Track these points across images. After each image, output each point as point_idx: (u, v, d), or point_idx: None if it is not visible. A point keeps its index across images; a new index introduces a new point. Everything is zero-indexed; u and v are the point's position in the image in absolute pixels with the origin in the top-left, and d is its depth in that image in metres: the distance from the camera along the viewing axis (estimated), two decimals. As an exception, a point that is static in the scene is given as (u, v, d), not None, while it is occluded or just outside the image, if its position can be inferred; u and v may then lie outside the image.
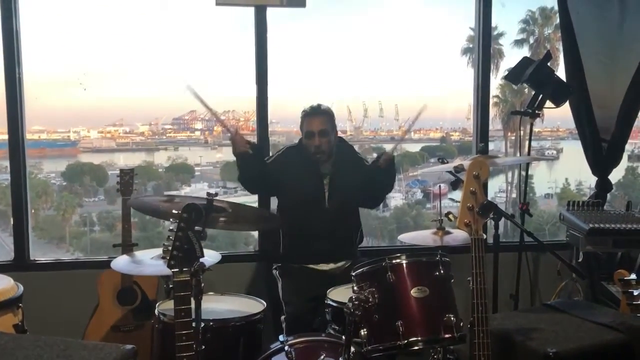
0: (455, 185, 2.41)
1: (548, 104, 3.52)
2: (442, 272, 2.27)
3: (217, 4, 3.54)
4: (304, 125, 3.30)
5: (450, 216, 2.18)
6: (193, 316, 2.00)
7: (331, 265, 3.27)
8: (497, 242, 3.12)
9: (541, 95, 3.50)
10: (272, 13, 3.68)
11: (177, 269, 1.98)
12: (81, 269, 3.56)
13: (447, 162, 3.17)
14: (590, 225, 3.30)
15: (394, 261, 2.24)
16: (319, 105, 3.30)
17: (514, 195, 7.50)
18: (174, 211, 2.01)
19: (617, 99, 3.73)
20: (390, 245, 4.84)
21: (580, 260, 3.45)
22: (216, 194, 2.47)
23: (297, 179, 3.29)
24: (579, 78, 3.72)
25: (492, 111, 8.33)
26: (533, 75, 3.46)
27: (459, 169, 2.38)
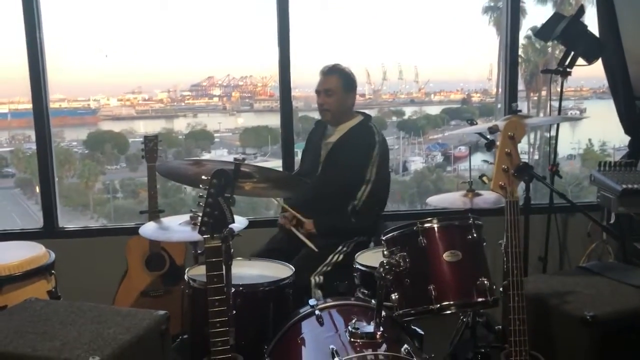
0: (489, 146, 2.35)
1: (580, 61, 3.41)
2: (474, 235, 2.23)
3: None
4: (318, 83, 3.26)
5: (485, 178, 2.13)
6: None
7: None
8: (528, 204, 3.06)
9: (573, 53, 3.39)
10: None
11: (208, 235, 1.97)
12: (109, 235, 3.59)
13: (476, 124, 3.09)
14: (624, 186, 3.22)
15: (425, 225, 2.21)
16: (334, 65, 3.23)
17: (536, 157, 7.39)
18: (203, 177, 1.98)
19: (653, 56, 3.60)
20: (419, 210, 4.81)
21: (612, 222, 3.38)
22: (244, 159, 2.44)
23: (307, 147, 3.37)
24: (613, 34, 3.58)
25: (513, 71, 8.14)
26: (565, 31, 3.35)
27: (493, 130, 2.32)
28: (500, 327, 2.76)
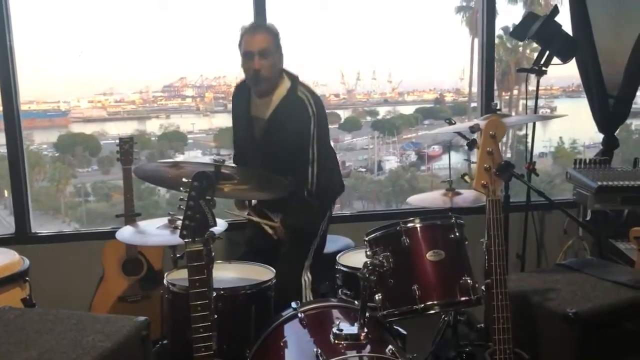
0: (471, 145, 2.36)
1: (555, 60, 3.45)
2: (457, 234, 2.24)
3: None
4: (242, 45, 2.75)
5: (466, 177, 2.13)
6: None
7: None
8: (507, 202, 3.09)
9: (548, 52, 3.43)
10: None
11: (189, 239, 1.93)
12: (84, 240, 3.52)
13: (455, 123, 3.10)
14: (599, 183, 3.27)
15: (408, 225, 2.21)
16: (254, 22, 2.83)
17: (508, 155, 7.47)
18: (184, 180, 1.94)
19: (625, 54, 3.66)
20: (397, 209, 4.81)
21: (588, 218, 3.43)
22: (224, 161, 2.40)
23: (236, 114, 3.00)
24: (586, 33, 3.63)
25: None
26: (540, 31, 3.38)
27: (474, 129, 2.32)
28: (482, 325, 2.78)
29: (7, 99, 3.34)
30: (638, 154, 3.68)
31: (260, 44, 2.69)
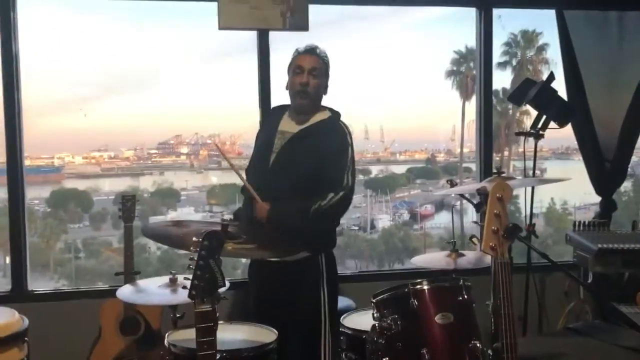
0: (478, 207, 2.38)
1: (551, 124, 3.53)
2: (465, 296, 2.23)
3: (220, 28, 3.50)
4: (293, 63, 2.80)
5: (475, 240, 2.15)
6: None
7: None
8: (511, 264, 3.08)
9: (545, 116, 3.52)
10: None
11: (198, 299, 1.91)
12: (82, 298, 3.45)
13: (456, 184, 3.13)
14: (599, 246, 3.28)
15: (417, 287, 2.21)
16: (317, 46, 2.82)
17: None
18: (194, 239, 1.94)
19: (619, 119, 3.76)
20: (399, 269, 4.77)
21: (589, 281, 3.43)
22: (230, 219, 2.40)
23: (260, 137, 2.92)
24: (581, 98, 3.74)
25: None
26: (537, 96, 3.48)
27: (481, 192, 2.36)
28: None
29: (12, 154, 3.34)
30: (627, 215, 3.73)
31: (313, 63, 2.75)
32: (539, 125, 3.53)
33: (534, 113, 3.57)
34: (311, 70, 2.73)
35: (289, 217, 2.61)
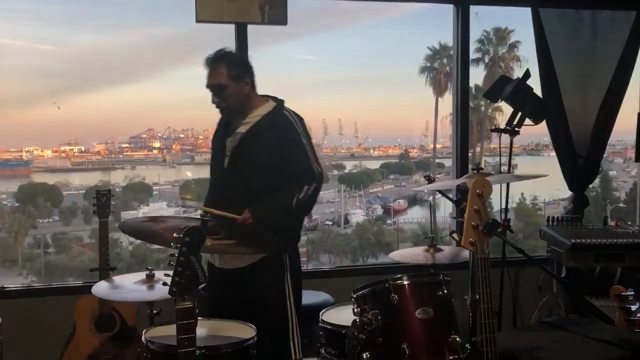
0: (458, 203, 2.40)
1: (527, 121, 3.58)
2: (445, 291, 2.25)
3: (198, 20, 3.46)
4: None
5: (455, 235, 2.15)
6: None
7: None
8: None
9: (520, 113, 3.56)
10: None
11: (179, 296, 1.89)
12: (55, 294, 3.39)
13: (434, 180, 3.16)
14: (573, 241, 3.34)
15: (397, 282, 2.22)
16: (216, 52, 2.70)
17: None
18: (175, 235, 1.91)
19: (591, 116, 3.82)
20: (375, 264, 4.78)
21: (562, 275, 3.49)
22: (208, 215, 2.38)
23: (214, 148, 2.87)
24: (555, 95, 3.79)
25: (451, 128, 8.50)
26: (513, 93, 3.51)
27: (461, 188, 2.38)
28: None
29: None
30: (596, 211, 3.80)
31: (212, 80, 2.67)
32: (515, 122, 3.57)
33: (506, 110, 3.62)
34: (214, 88, 2.67)
35: (273, 218, 2.56)
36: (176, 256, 1.89)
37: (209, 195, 2.81)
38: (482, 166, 2.76)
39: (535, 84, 3.77)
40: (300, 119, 2.75)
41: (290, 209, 2.59)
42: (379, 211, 13.42)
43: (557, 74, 3.82)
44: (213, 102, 2.70)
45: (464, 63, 3.92)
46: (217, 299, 2.62)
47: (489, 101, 6.53)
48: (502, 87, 3.61)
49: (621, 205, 11.39)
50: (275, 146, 2.63)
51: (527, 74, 3.53)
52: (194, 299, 1.94)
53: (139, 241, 7.40)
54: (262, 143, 2.65)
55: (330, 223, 12.35)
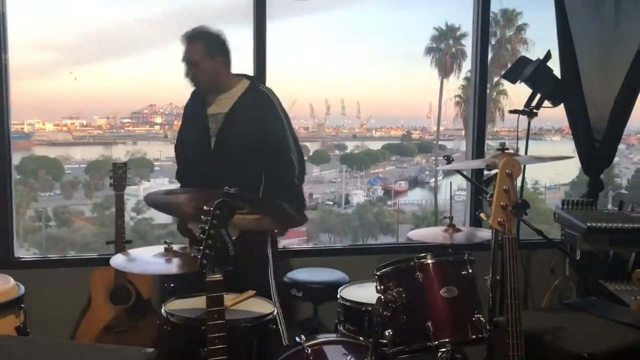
0: (487, 183, 2.39)
1: (545, 103, 3.56)
2: (469, 271, 2.25)
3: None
4: None
5: (483, 215, 2.14)
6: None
7: None
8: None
9: (539, 95, 3.53)
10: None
11: (209, 269, 1.88)
12: (71, 266, 3.38)
13: (453, 160, 3.15)
14: (588, 224, 3.34)
15: (422, 260, 2.21)
16: (194, 29, 2.83)
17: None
18: (205, 207, 1.90)
19: (610, 99, 3.78)
20: (401, 243, 4.78)
21: (577, 258, 3.49)
22: (234, 189, 2.36)
23: (186, 123, 3.05)
24: (574, 77, 3.74)
25: (455, 110, 8.40)
26: (533, 74, 3.49)
27: (490, 168, 2.36)
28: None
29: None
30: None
31: (189, 56, 2.81)
32: (533, 104, 3.55)
33: (511, 93, 3.60)
34: (189, 63, 2.81)
35: (283, 204, 2.54)
36: (206, 229, 1.88)
37: (194, 176, 2.90)
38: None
39: (554, 66, 3.74)
40: (273, 93, 2.92)
41: (293, 186, 2.82)
42: (380, 192, 13.38)
43: (577, 55, 3.77)
44: (186, 75, 2.84)
45: (484, 43, 3.88)
46: None
47: (502, 84, 6.48)
48: (522, 68, 3.59)
49: (623, 191, 11.39)
50: (258, 121, 2.80)
51: (548, 55, 3.50)
52: (223, 271, 1.93)
53: (140, 216, 7.46)
54: (246, 121, 2.79)
55: (331, 203, 12.33)
